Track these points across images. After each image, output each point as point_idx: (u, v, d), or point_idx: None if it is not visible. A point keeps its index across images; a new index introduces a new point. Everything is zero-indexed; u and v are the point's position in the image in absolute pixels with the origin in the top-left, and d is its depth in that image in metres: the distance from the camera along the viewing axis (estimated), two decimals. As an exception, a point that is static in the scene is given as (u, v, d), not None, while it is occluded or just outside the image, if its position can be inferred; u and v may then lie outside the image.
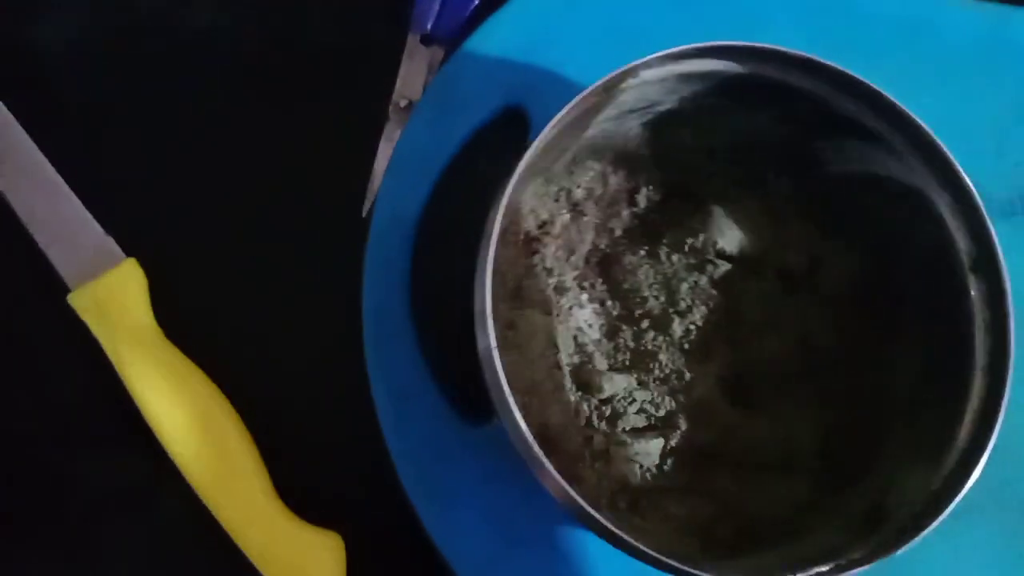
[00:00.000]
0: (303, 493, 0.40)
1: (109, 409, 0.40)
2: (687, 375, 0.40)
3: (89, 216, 0.41)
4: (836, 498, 0.37)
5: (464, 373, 0.40)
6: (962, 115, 0.41)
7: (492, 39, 0.41)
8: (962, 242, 0.36)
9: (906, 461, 0.36)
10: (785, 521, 0.37)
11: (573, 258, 0.40)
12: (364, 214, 0.41)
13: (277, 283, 0.42)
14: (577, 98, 0.35)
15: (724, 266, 0.40)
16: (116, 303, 0.40)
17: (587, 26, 0.42)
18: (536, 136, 0.39)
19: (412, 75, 0.42)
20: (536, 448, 0.32)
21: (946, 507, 0.33)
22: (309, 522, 0.39)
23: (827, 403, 0.39)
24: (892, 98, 0.35)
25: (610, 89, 0.35)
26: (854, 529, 0.35)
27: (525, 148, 0.35)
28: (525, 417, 0.33)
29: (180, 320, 0.41)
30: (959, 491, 0.33)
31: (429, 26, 0.43)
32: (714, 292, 0.40)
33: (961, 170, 0.35)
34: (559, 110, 0.40)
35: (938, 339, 0.37)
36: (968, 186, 0.35)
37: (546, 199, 0.40)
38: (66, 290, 0.40)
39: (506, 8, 0.42)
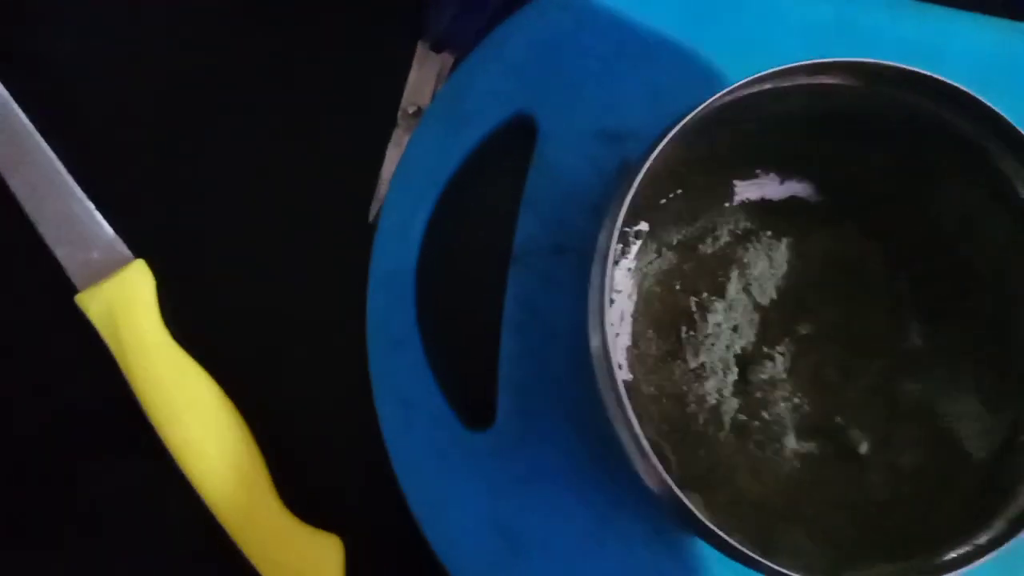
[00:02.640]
0: (305, 496, 0.40)
1: (115, 411, 0.41)
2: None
3: (99, 216, 0.41)
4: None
5: (469, 379, 0.41)
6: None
7: (502, 48, 0.42)
8: None
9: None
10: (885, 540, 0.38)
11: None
12: (371, 219, 0.42)
13: (283, 287, 0.42)
14: (703, 104, 0.35)
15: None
16: (124, 304, 0.40)
17: (597, 36, 0.42)
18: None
19: (422, 82, 0.43)
20: (657, 464, 0.33)
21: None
22: (310, 525, 0.39)
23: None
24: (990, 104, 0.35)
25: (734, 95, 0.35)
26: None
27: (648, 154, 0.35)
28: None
29: (187, 322, 0.41)
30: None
31: (440, 33, 0.43)
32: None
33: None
34: (569, 120, 0.41)
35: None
36: None
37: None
38: (74, 290, 0.41)
39: (516, 17, 0.42)
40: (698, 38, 0.42)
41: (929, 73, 0.35)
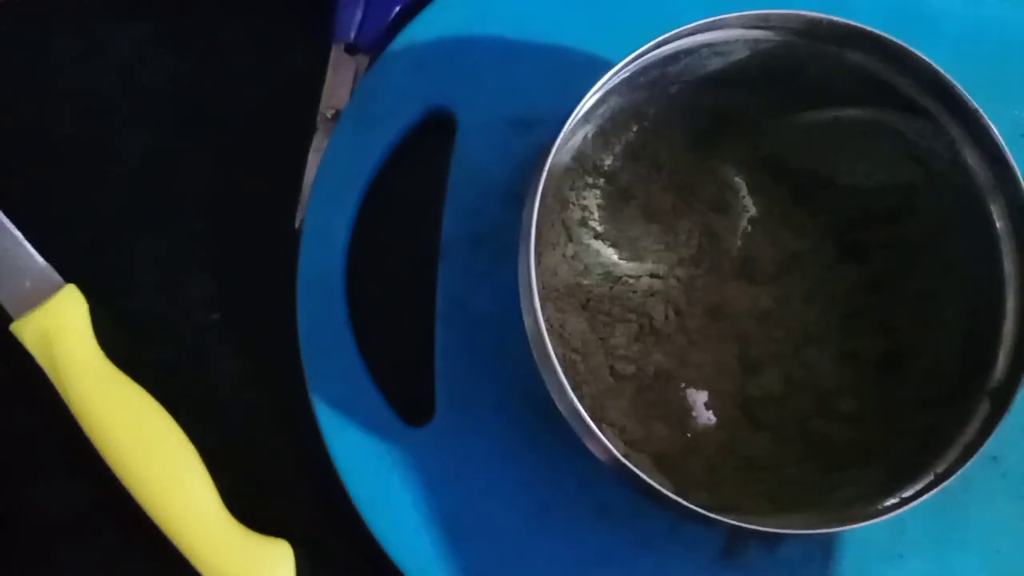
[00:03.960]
0: (251, 504, 0.40)
1: (56, 436, 0.41)
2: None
3: (28, 246, 0.41)
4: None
5: (407, 375, 0.41)
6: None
7: (413, 44, 0.42)
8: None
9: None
10: (816, 482, 0.38)
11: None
12: (297, 225, 0.42)
13: (215, 299, 0.42)
14: (634, 55, 0.35)
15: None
16: (57, 329, 0.40)
17: (504, 25, 0.42)
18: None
19: (338, 85, 0.43)
20: (590, 422, 0.33)
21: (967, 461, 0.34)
22: (258, 532, 0.39)
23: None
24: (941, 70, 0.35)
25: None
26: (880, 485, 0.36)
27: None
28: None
29: (122, 341, 0.41)
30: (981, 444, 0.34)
31: (352, 35, 0.43)
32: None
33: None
34: (483, 111, 0.42)
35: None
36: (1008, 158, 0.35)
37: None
38: (8, 320, 0.41)
39: (425, 13, 0.42)
40: (604, 18, 0.42)
41: (870, 29, 0.35)
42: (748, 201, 0.41)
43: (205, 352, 0.42)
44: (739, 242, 0.41)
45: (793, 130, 0.40)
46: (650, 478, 0.34)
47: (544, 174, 0.35)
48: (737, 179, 0.41)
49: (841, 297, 0.40)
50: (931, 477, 0.34)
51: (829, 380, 0.40)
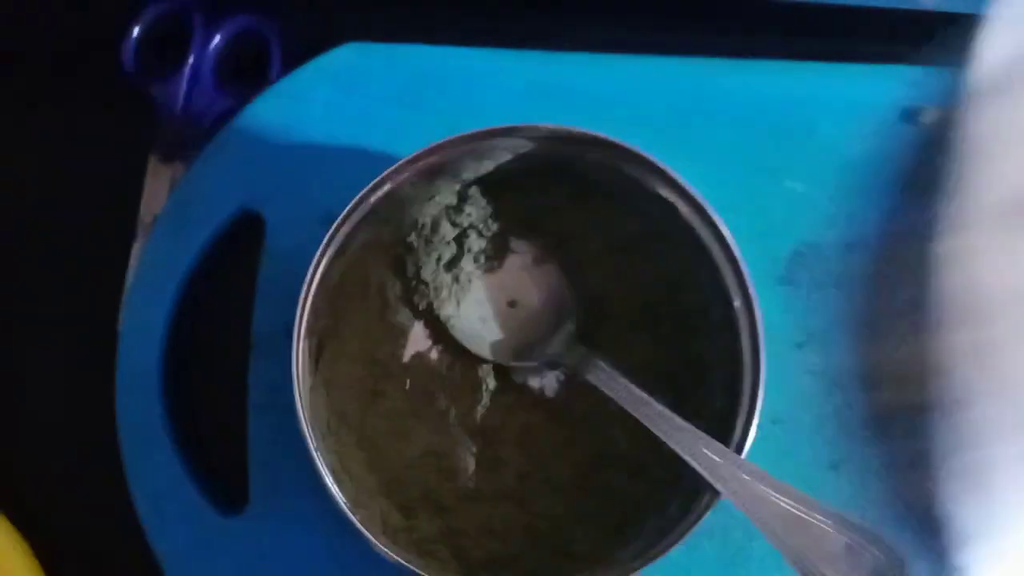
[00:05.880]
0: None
1: None
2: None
3: None
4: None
5: (224, 465, 0.43)
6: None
7: (223, 152, 0.44)
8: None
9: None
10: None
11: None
12: (119, 328, 0.44)
13: (40, 401, 0.45)
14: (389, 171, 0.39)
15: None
16: None
17: (314, 131, 0.45)
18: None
19: (156, 192, 0.45)
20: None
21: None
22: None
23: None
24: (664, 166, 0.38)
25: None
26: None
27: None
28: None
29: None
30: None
31: (169, 145, 0.45)
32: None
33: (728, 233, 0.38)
34: (293, 209, 0.44)
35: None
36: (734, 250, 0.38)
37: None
38: None
39: (234, 122, 0.45)
40: (407, 123, 0.45)
41: (603, 136, 0.38)
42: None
43: (32, 452, 0.44)
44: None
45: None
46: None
47: (312, 282, 0.38)
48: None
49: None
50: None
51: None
